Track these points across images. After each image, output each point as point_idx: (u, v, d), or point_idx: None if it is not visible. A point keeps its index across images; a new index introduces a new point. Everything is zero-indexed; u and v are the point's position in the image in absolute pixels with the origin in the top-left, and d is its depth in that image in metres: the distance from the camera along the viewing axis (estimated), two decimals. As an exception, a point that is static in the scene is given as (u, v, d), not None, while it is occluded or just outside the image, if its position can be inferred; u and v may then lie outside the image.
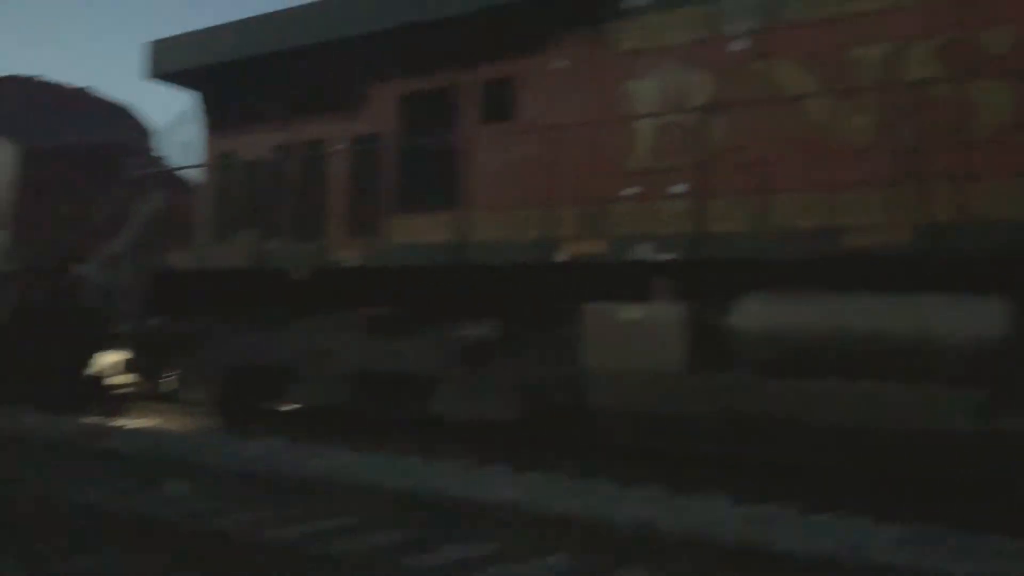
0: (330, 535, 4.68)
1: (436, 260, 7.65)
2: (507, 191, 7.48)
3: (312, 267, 8.39)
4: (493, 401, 7.31)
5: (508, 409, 7.26)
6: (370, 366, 8.16)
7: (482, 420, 7.41)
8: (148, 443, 8.04)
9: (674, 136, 6.63)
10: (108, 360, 10.33)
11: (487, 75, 7.88)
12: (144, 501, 5.42)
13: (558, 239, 6.93)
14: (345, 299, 8.51)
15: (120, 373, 10.20)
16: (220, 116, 9.94)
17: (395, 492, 5.64)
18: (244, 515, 5.10)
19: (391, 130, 8.52)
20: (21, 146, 11.58)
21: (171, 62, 10.01)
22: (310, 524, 4.91)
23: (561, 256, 6.86)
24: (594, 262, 6.68)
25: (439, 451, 7.66)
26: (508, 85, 7.72)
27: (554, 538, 4.43)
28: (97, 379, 10.45)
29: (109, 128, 13.14)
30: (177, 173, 12.73)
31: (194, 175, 10.81)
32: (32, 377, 10.86)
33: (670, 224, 6.46)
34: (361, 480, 6.15)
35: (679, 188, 6.54)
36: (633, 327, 6.03)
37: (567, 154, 7.08)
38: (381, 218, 8.46)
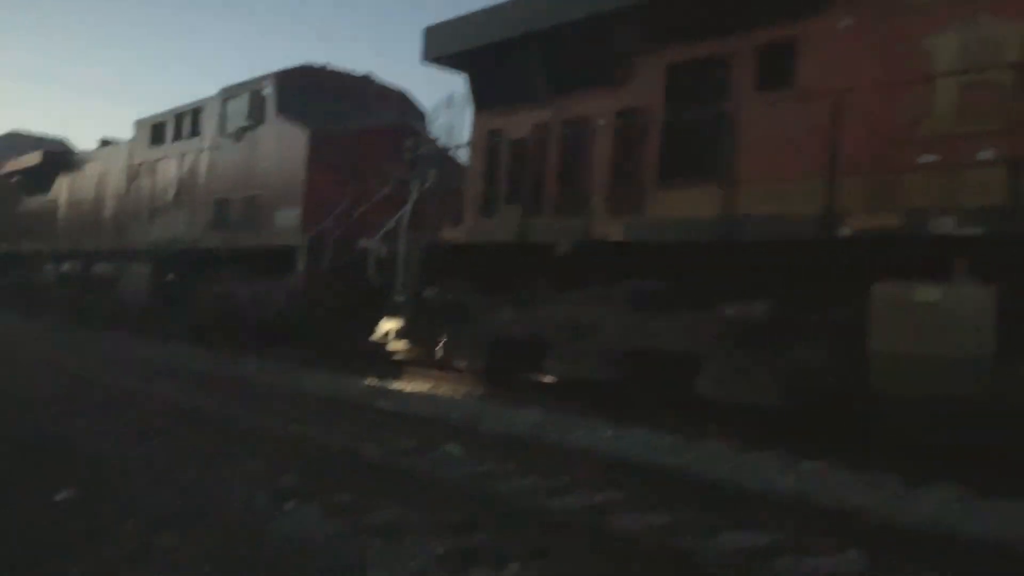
0: (603, 509, 4.64)
1: (704, 236, 7.38)
2: (782, 162, 7.04)
3: (575, 242, 8.41)
4: (762, 385, 6.94)
5: (777, 394, 6.86)
6: (632, 343, 8.06)
7: (749, 404, 7.07)
8: (424, 406, 8.48)
9: (982, 96, 5.89)
10: (387, 327, 11.04)
11: (762, 40, 7.45)
12: (425, 461, 5.67)
13: (841, 213, 6.42)
14: (606, 275, 8.47)
15: (397, 340, 10.85)
16: (488, 96, 10.21)
17: (661, 470, 5.51)
18: (523, 480, 5.20)
19: (657, 102, 8.32)
20: (311, 130, 12.60)
21: (443, 46, 10.42)
22: (586, 496, 4.89)
23: (844, 231, 6.35)
24: (883, 237, 6.12)
25: (699, 432, 7.41)
26: (786, 49, 7.25)
27: (841, 532, 4.09)
28: (377, 344, 11.19)
29: (389, 111, 13.97)
30: (449, 152, 13.33)
31: (464, 154, 11.20)
32: (322, 339, 11.86)
33: (975, 195, 5.76)
34: (627, 456, 6.08)
35: (987, 154, 5.81)
36: (931, 310, 5.44)
37: (853, 121, 6.52)
38: (645, 193, 8.31)
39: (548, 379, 10.55)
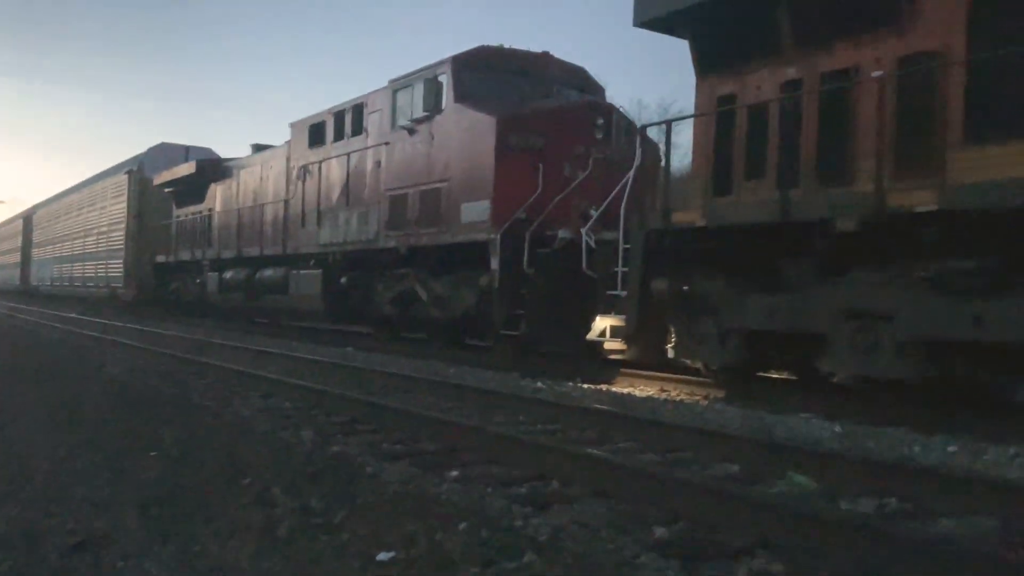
0: None
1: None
2: None
3: (863, 215, 7.11)
4: None
5: None
6: (941, 333, 6.73)
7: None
8: (683, 416, 7.39)
9: None
10: (603, 325, 10.00)
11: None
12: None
13: None
14: (899, 252, 7.15)
15: (615, 339, 9.79)
16: (715, 57, 9.00)
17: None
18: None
19: (956, 43, 6.94)
20: (498, 114, 11.66)
21: (660, 5, 9.26)
22: None
23: None
24: None
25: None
26: None
27: None
28: (593, 343, 10.17)
29: (571, 90, 12.94)
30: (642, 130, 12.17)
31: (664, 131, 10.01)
32: (528, 339, 10.92)
33: None
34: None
35: None
36: None
37: None
38: (944, 153, 6.95)
39: (781, 376, 9.32)
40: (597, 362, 10.55)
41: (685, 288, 8.78)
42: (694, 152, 9.23)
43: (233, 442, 6.04)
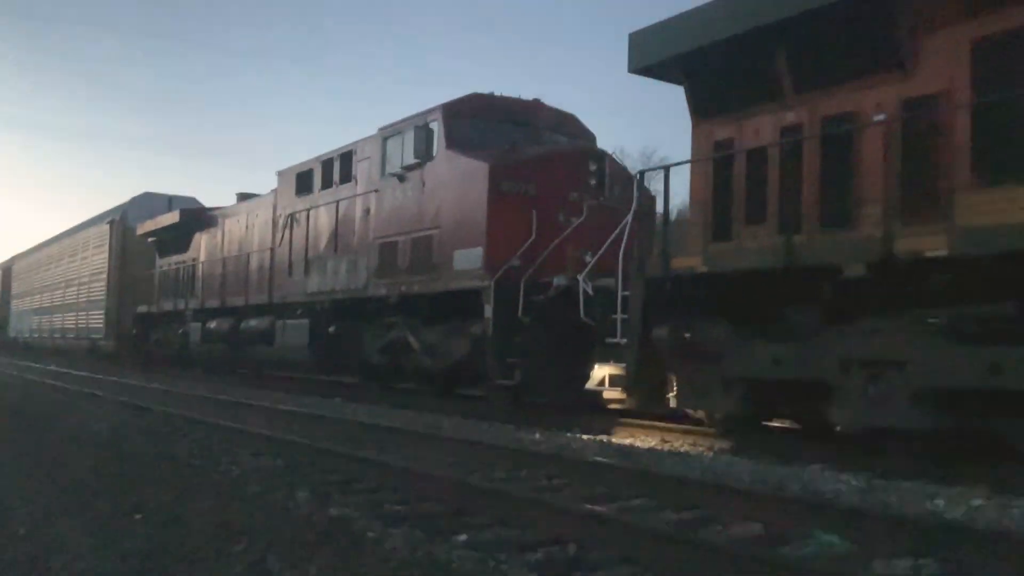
0: None
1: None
2: None
3: (870, 261, 6.96)
4: None
5: None
6: (956, 381, 6.54)
7: None
8: (688, 468, 7.12)
9: None
10: (601, 373, 9.74)
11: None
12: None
13: None
14: (906, 298, 6.99)
15: (613, 387, 9.54)
16: (713, 102, 8.91)
17: None
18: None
19: (960, 87, 6.86)
20: (490, 161, 11.53)
21: (654, 52, 9.19)
22: None
23: None
24: None
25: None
26: None
27: None
28: (592, 393, 9.91)
29: (561, 136, 12.86)
30: (631, 177, 12.07)
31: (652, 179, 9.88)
32: (522, 389, 10.66)
33: None
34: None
35: None
36: None
37: None
38: (951, 197, 6.83)
39: (784, 426, 9.10)
40: (595, 412, 10.28)
41: (687, 335, 8.57)
42: (692, 198, 9.10)
43: (224, 504, 5.72)
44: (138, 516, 5.71)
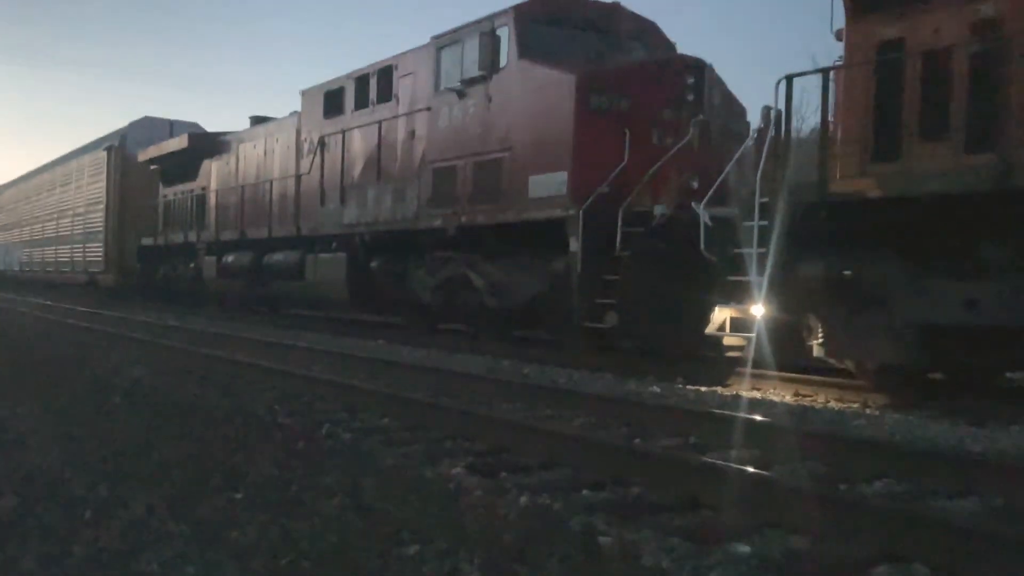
0: None
1: None
2: None
3: None
4: None
5: None
6: None
7: None
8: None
9: None
10: (722, 316, 8.47)
11: None
12: None
13: None
14: None
15: (735, 332, 8.27)
16: (876, -5, 7.47)
17: None
18: None
19: None
20: (578, 72, 10.05)
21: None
22: None
23: None
24: None
25: None
26: None
27: None
28: (713, 339, 8.65)
29: (642, 46, 11.36)
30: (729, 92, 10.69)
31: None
32: (624, 335, 9.37)
33: None
34: None
35: None
36: None
37: None
38: None
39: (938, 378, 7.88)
40: (702, 361, 9.02)
41: (846, 273, 7.26)
42: (844, 110, 7.70)
43: (354, 481, 4.42)
44: (238, 495, 4.42)
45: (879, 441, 5.43)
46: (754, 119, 10.26)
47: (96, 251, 25.61)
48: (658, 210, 9.23)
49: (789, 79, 7.64)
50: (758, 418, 5.99)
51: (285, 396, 6.98)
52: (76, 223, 27.66)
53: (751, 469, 4.26)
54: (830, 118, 7.85)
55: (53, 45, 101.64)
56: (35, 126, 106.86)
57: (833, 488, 4.19)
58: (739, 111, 11.00)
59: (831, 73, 7.64)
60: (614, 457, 4.52)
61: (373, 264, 13.56)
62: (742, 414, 6.17)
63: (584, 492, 4.04)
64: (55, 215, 30.09)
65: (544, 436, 5.10)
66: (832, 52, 8.67)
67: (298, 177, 15.91)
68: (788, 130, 7.71)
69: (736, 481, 3.92)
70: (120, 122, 28.87)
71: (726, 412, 5.99)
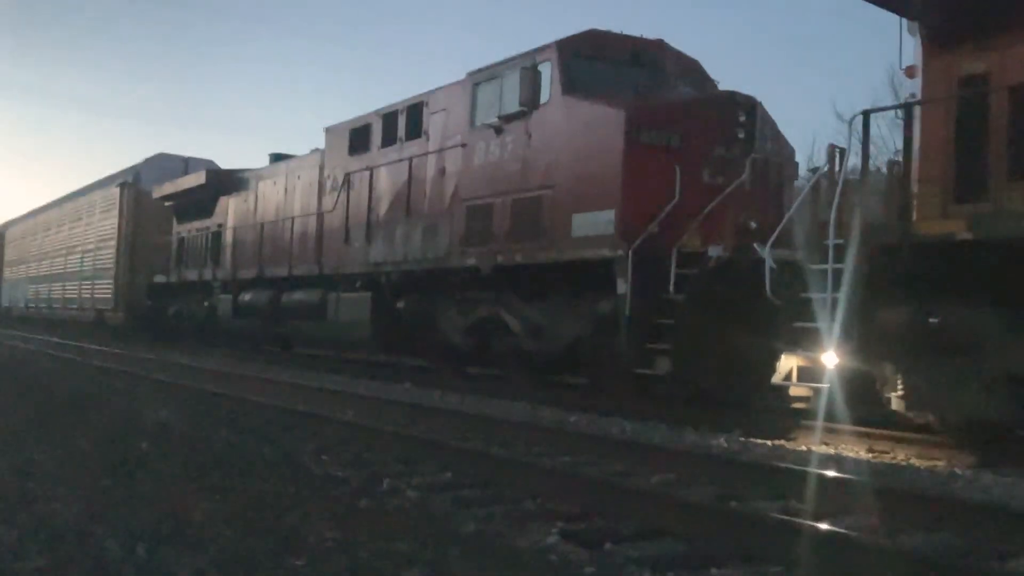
0: None
1: None
2: None
3: None
4: None
5: None
6: None
7: None
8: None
9: None
10: (788, 364, 7.98)
11: None
12: None
13: None
14: None
15: (810, 383, 7.77)
16: (958, 28, 7.09)
17: None
18: None
19: None
20: (626, 107, 9.67)
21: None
22: None
23: None
24: None
25: None
26: None
27: None
28: (777, 388, 8.14)
29: (687, 83, 11.00)
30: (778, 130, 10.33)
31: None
32: (680, 382, 8.84)
33: None
34: None
35: None
36: None
37: None
38: None
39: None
40: (763, 412, 8.49)
41: (932, 320, 6.77)
42: (923, 148, 7.28)
43: (434, 548, 3.89)
44: (299, 562, 3.89)
45: (994, 505, 4.91)
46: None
47: (105, 288, 25.14)
48: (712, 251, 8.78)
49: (866, 114, 7.25)
50: (855, 478, 5.47)
51: (328, 444, 6.45)
52: (86, 259, 27.24)
53: (883, 542, 3.74)
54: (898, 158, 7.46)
55: (67, 84, 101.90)
56: (48, 163, 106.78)
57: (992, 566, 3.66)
58: (789, 151, 10.61)
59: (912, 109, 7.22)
60: (723, 524, 4.00)
61: (400, 304, 13.09)
62: (841, 474, 5.65)
63: (713, 571, 3.50)
64: (64, 251, 29.69)
65: (634, 496, 4.57)
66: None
67: (320, 215, 15.51)
68: (866, 167, 7.29)
69: (873, 556, 3.41)
70: (134, 159, 28.59)
71: (823, 472, 5.44)
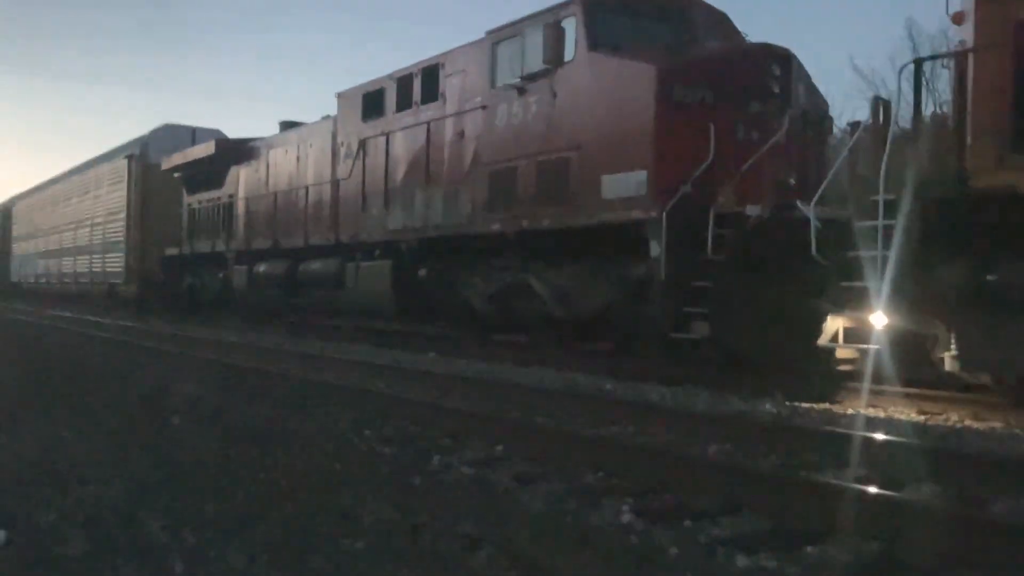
0: None
1: None
2: None
3: None
4: None
5: None
6: None
7: None
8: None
9: None
10: (835, 326, 7.73)
11: None
12: None
13: None
14: None
15: (857, 344, 7.51)
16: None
17: None
18: None
19: None
20: (658, 63, 9.31)
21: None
22: None
23: None
24: None
25: None
26: None
27: None
28: (825, 351, 7.89)
29: (717, 37, 10.63)
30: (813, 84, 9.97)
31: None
32: (718, 347, 8.60)
33: None
34: None
35: None
36: None
37: None
38: None
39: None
40: (813, 375, 8.22)
41: (990, 278, 6.50)
42: (976, 97, 6.95)
43: (501, 528, 3.67)
44: (358, 544, 3.69)
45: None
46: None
47: (116, 261, 24.95)
48: (751, 211, 8.48)
49: (918, 63, 6.91)
50: (919, 442, 5.24)
51: (368, 417, 6.23)
52: (95, 233, 27.02)
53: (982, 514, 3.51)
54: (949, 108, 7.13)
55: (71, 57, 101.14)
56: (54, 137, 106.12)
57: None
58: (823, 105, 10.27)
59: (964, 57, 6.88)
60: (805, 496, 3.77)
61: (421, 272, 12.83)
62: (903, 438, 5.42)
63: (808, 549, 3.27)
64: (73, 225, 29.47)
65: (701, 468, 4.35)
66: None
67: (335, 182, 15.20)
68: (919, 119, 6.97)
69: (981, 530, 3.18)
70: (141, 130, 28.27)
71: (888, 437, 5.20)
